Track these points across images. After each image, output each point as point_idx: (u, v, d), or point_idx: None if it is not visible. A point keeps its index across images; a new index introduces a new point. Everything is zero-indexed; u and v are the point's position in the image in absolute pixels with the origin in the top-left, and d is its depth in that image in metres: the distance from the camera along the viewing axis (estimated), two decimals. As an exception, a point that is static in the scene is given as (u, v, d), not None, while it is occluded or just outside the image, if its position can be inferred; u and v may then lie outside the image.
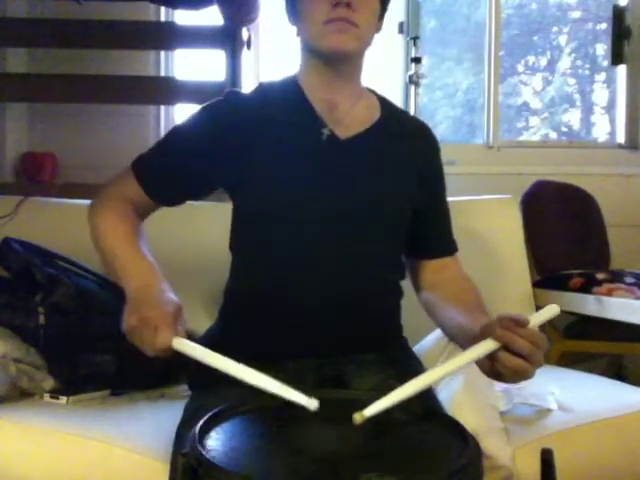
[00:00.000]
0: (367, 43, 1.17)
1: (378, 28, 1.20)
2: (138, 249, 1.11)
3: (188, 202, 1.27)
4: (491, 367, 0.94)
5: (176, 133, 1.23)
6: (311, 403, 0.84)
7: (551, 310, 0.96)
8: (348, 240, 1.16)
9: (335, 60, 1.16)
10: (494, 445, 1.21)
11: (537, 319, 0.95)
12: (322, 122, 1.18)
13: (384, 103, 1.28)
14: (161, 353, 0.94)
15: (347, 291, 1.15)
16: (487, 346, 0.91)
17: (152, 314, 0.94)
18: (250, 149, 1.16)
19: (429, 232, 1.29)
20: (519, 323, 0.91)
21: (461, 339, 1.08)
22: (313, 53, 1.17)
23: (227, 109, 1.19)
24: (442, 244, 1.31)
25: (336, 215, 1.15)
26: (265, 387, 0.87)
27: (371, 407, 0.82)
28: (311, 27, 1.14)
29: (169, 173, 1.19)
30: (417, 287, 1.32)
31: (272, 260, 1.17)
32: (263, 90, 1.24)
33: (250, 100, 1.21)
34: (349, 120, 1.20)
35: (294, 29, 1.21)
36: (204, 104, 1.22)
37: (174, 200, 1.24)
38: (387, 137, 1.23)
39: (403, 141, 1.25)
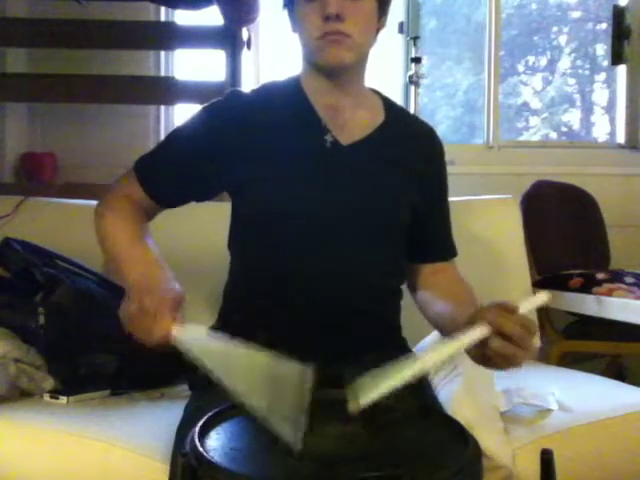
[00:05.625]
0: (366, 48, 1.16)
1: (381, 25, 1.19)
2: (143, 242, 1.11)
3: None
4: (481, 353, 0.94)
5: (177, 134, 1.23)
6: (295, 443, 0.78)
7: (540, 297, 0.96)
8: (348, 245, 1.16)
9: (334, 72, 1.16)
10: (494, 445, 1.21)
11: (526, 306, 0.94)
12: (325, 128, 1.18)
13: (388, 105, 1.27)
14: (160, 341, 0.93)
15: (346, 294, 1.16)
16: (479, 331, 0.91)
17: (151, 301, 0.93)
18: (252, 151, 1.15)
19: (427, 236, 1.28)
20: (509, 309, 0.91)
21: (452, 330, 1.09)
22: (312, 65, 1.17)
23: (228, 110, 1.19)
24: (440, 249, 1.31)
25: (336, 221, 1.15)
26: (253, 408, 0.83)
27: (366, 395, 0.82)
28: (307, 41, 1.14)
29: (171, 175, 1.19)
30: (412, 288, 1.31)
31: (271, 263, 1.17)
32: (266, 91, 1.23)
33: (252, 101, 1.20)
34: (352, 125, 1.19)
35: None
36: (205, 104, 1.21)
37: (177, 202, 1.24)
38: (390, 141, 1.22)
39: (406, 144, 1.25)
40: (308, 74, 1.20)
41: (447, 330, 1.14)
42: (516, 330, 0.90)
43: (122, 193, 1.20)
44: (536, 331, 0.93)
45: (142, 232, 1.15)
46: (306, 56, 1.18)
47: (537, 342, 0.95)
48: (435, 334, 1.50)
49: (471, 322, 0.93)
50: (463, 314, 1.04)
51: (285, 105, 1.20)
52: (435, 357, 0.89)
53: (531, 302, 0.96)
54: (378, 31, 1.18)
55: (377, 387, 0.82)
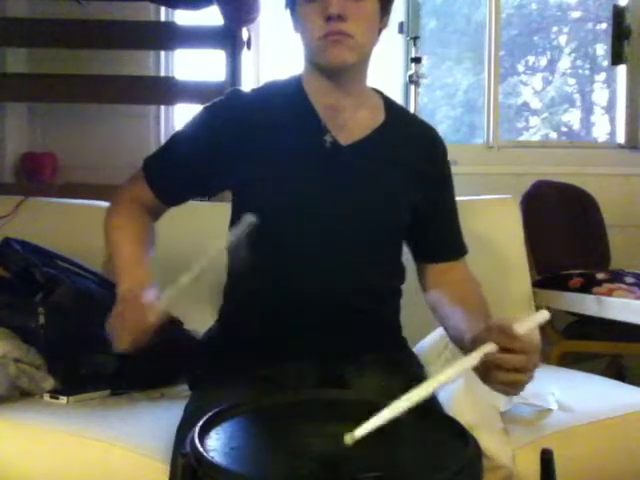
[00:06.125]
0: (368, 48, 1.16)
1: (384, 25, 1.18)
2: (136, 254, 1.14)
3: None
4: (486, 376, 0.94)
5: (180, 135, 1.23)
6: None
7: (541, 316, 0.96)
8: (347, 246, 1.16)
9: (335, 72, 1.16)
10: (494, 445, 1.21)
11: (527, 326, 0.94)
12: (325, 129, 1.18)
13: (389, 105, 1.26)
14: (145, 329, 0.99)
15: (346, 294, 1.16)
16: (480, 353, 0.91)
17: (128, 312, 1.01)
18: (252, 151, 1.15)
19: (433, 236, 1.28)
20: (509, 336, 0.90)
21: (459, 343, 1.10)
22: (314, 65, 1.17)
23: (228, 109, 1.19)
24: (447, 248, 1.30)
25: (336, 221, 1.15)
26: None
27: (362, 428, 0.81)
28: (309, 41, 1.14)
29: (176, 176, 1.21)
30: (423, 288, 1.32)
31: (271, 263, 1.17)
32: (267, 90, 1.23)
33: (253, 100, 1.20)
34: (352, 125, 1.19)
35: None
36: (206, 104, 1.22)
37: (183, 201, 1.26)
38: (390, 142, 1.22)
39: (407, 145, 1.24)
40: (309, 74, 1.20)
41: (455, 341, 1.15)
42: (518, 360, 0.90)
43: (130, 195, 1.22)
44: (538, 348, 0.93)
45: (143, 240, 1.18)
46: (308, 56, 1.18)
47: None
48: (435, 334, 1.51)
49: (472, 348, 0.94)
50: (469, 329, 1.04)
51: (285, 105, 1.20)
52: (435, 384, 0.88)
53: (531, 321, 0.95)
54: (380, 31, 1.18)
55: (373, 417, 0.81)
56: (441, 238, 1.30)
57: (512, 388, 0.94)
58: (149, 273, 1.11)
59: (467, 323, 1.08)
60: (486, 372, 0.93)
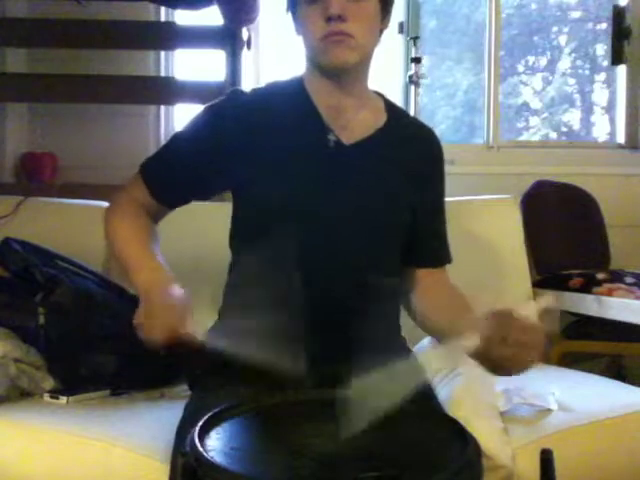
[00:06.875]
0: (369, 48, 1.16)
1: (385, 25, 1.18)
2: (148, 248, 1.15)
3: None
4: (490, 363, 0.94)
5: (180, 136, 1.23)
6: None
7: (544, 300, 0.95)
8: (349, 245, 1.16)
9: (337, 73, 1.16)
10: (494, 445, 1.21)
11: (529, 309, 0.94)
12: (328, 128, 1.18)
13: (390, 107, 1.27)
14: (167, 340, 0.96)
15: (346, 294, 1.16)
16: (471, 341, 0.91)
17: (160, 301, 0.99)
18: (254, 151, 1.15)
19: (422, 240, 1.27)
20: (508, 316, 0.91)
21: (442, 334, 1.10)
22: (315, 66, 1.18)
23: (229, 109, 1.19)
24: (433, 255, 1.30)
25: (338, 220, 1.15)
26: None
27: (359, 420, 0.82)
28: (310, 43, 1.14)
29: (176, 178, 1.21)
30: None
31: (272, 263, 1.17)
32: (268, 91, 1.23)
33: (253, 100, 1.20)
34: (354, 125, 1.20)
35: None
36: (207, 105, 1.22)
37: (182, 203, 1.26)
38: (391, 143, 1.22)
39: (407, 146, 1.24)
40: (311, 75, 1.20)
41: (436, 333, 1.15)
42: (517, 335, 0.90)
43: (129, 197, 1.22)
44: (540, 329, 0.92)
45: (149, 237, 1.18)
46: (309, 57, 1.18)
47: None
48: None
49: (472, 329, 0.94)
50: (456, 320, 1.04)
51: (287, 105, 1.20)
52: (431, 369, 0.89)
53: (534, 305, 0.95)
54: (381, 31, 1.18)
55: (372, 409, 0.82)
56: (427, 243, 1.28)
57: (517, 365, 0.93)
58: (162, 264, 1.11)
59: (459, 321, 1.08)
60: (487, 350, 0.92)
